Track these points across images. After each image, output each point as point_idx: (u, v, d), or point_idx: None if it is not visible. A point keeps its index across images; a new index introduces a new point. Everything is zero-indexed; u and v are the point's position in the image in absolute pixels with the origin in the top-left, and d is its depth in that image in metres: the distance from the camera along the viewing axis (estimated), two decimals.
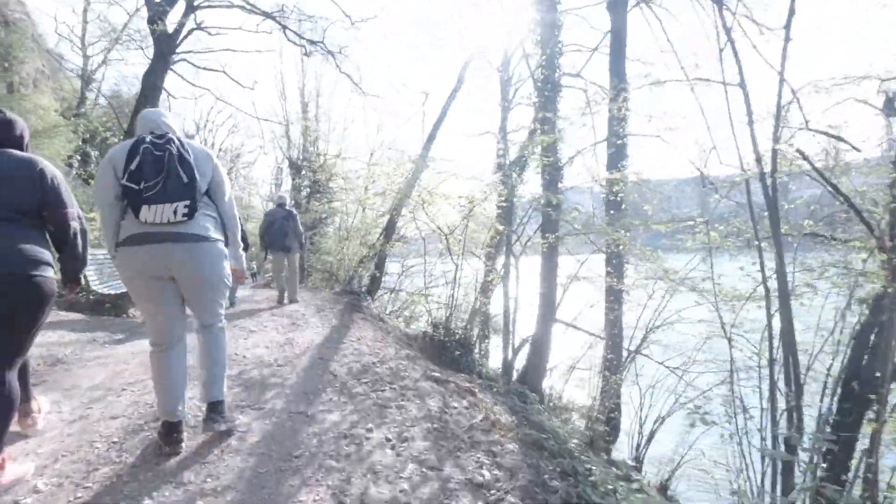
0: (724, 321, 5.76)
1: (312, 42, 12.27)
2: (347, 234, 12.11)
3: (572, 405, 9.30)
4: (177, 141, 2.30)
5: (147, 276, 2.25)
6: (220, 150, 31.90)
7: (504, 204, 7.39)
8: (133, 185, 2.16)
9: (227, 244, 2.49)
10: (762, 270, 3.92)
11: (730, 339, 5.62)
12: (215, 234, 2.37)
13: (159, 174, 2.18)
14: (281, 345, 4.64)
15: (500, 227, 7.12)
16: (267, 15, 11.15)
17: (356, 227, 12.35)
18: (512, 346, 8.38)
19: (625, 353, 7.90)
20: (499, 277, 8.56)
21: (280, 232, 7.11)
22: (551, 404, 8.48)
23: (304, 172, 20.32)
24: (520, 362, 8.80)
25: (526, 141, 10.19)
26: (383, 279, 11.60)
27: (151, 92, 10.58)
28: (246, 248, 8.85)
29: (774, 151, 3.54)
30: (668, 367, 7.87)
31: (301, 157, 20.32)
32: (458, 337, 6.34)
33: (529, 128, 10.19)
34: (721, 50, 3.65)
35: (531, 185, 9.46)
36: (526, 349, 8.73)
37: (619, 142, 7.99)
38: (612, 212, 7.87)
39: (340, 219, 16.47)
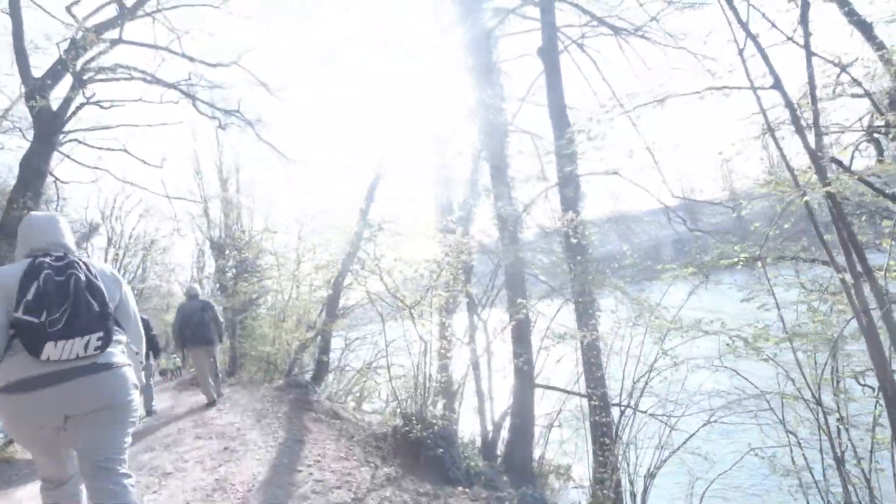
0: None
1: (227, 112, 11.21)
2: (283, 314, 10.65)
3: (566, 471, 8.22)
4: (82, 264, 2.08)
5: (42, 424, 1.94)
6: (130, 237, 29.08)
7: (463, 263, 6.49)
8: (32, 319, 1.89)
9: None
10: (854, 297, 3.20)
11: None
12: (122, 358, 2.14)
13: (64, 304, 1.94)
14: (209, 495, 3.25)
15: (467, 289, 6.19)
16: (170, 85, 10.00)
17: (292, 306, 10.93)
18: (491, 419, 7.25)
19: (616, 411, 7.00)
20: (460, 342, 7.54)
21: (200, 325, 6.59)
22: (544, 481, 7.34)
23: (228, 252, 18.58)
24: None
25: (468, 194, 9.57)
26: (329, 359, 10.16)
27: (34, 178, 8.91)
28: (156, 354, 7.52)
29: (817, 160, 2.97)
30: (658, 419, 7.06)
31: (223, 237, 18.63)
32: (436, 429, 5.16)
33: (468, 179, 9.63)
34: (741, 50, 3.10)
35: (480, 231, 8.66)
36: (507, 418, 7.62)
37: (570, 187, 7.49)
38: (577, 257, 7.21)
39: (273, 297, 14.93)
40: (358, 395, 13.04)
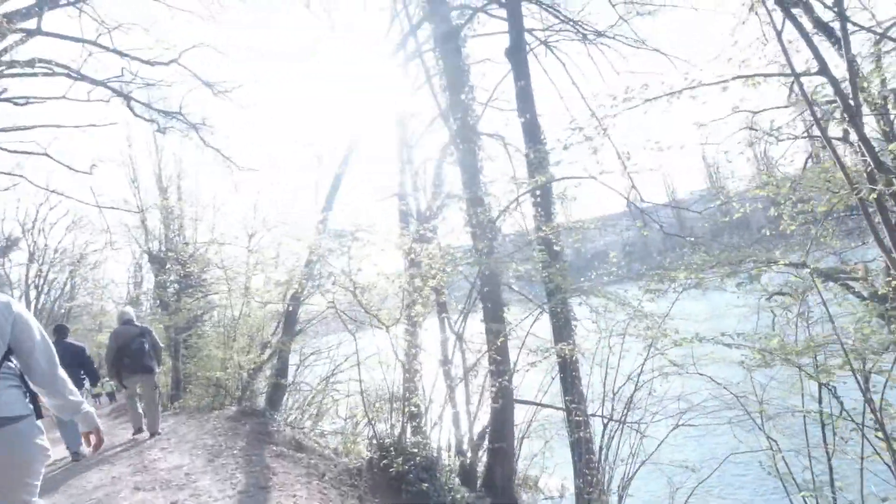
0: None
1: (167, 114, 10.20)
2: (234, 332, 9.71)
3: (537, 483, 7.85)
4: None
5: None
6: (55, 251, 26.55)
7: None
8: None
9: (36, 415, 1.91)
10: None
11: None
12: (21, 407, 1.82)
13: None
14: None
15: (441, 301, 5.68)
16: (98, 83, 8.92)
17: (243, 323, 10.01)
18: (470, 438, 6.75)
19: (601, 423, 6.68)
20: (433, 358, 7.03)
21: (140, 352, 6.16)
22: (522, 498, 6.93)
23: (169, 266, 17.13)
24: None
25: (431, 201, 9.10)
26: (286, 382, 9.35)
27: None
28: (94, 382, 6.72)
29: None
30: (635, 429, 6.81)
31: (164, 249, 17.17)
32: (418, 460, 4.61)
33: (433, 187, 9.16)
34: (780, 33, 2.81)
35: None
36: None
37: (543, 194, 7.17)
38: (553, 265, 6.88)
39: (221, 314, 13.78)
40: (314, 413, 12.20)
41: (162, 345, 6.74)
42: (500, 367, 6.28)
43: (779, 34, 2.88)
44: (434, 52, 6.74)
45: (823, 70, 2.75)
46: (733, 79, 3.04)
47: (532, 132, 7.36)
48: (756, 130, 7.26)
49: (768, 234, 5.71)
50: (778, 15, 2.87)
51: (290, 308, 8.17)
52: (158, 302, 17.00)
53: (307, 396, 12.71)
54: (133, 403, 6.61)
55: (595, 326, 6.61)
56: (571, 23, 7.60)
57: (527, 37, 7.83)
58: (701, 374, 6.81)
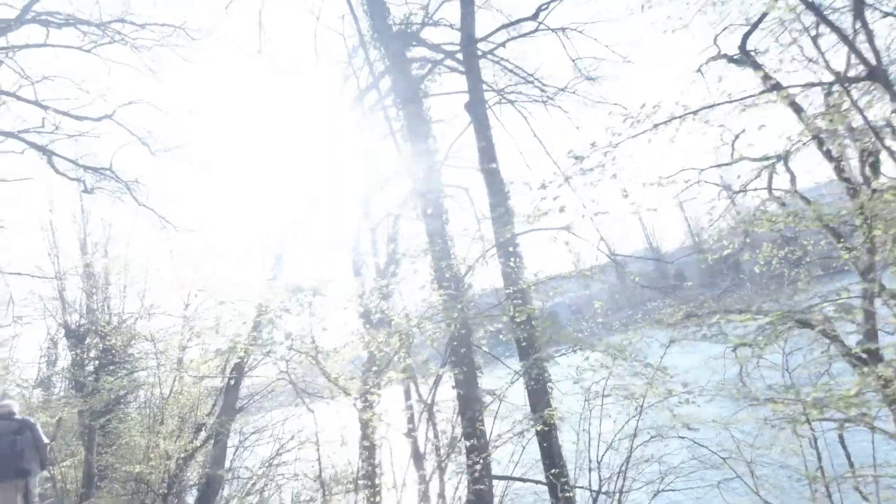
0: None
1: (96, 171, 9.24)
2: (161, 414, 8.33)
3: None
4: None
5: None
6: None
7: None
8: None
9: None
10: None
11: None
12: None
13: None
14: None
15: (408, 365, 4.97)
16: (9, 134, 7.94)
17: (174, 401, 8.66)
18: None
19: (588, 495, 5.95)
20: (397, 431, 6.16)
21: (11, 452, 5.28)
22: None
23: (88, 341, 15.16)
24: None
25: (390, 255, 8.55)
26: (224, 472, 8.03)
27: None
28: None
29: None
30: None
31: (83, 322, 15.25)
32: None
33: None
34: (815, 38, 2.61)
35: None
36: None
37: (509, 248, 6.82)
38: (523, 326, 6.38)
39: (147, 393, 12.09)
40: (254, 502, 10.61)
41: (47, 441, 5.73)
42: (478, 440, 5.55)
43: (814, 39, 2.73)
44: (395, 104, 6.47)
45: (876, 72, 2.58)
46: (762, 93, 2.85)
47: (495, 183, 7.11)
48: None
49: (757, 273, 5.58)
50: (808, 17, 2.74)
51: (232, 382, 7.10)
52: (73, 383, 14.86)
53: (246, 484, 11.09)
54: None
55: (577, 388, 6.07)
56: (532, 79, 7.69)
57: (486, 94, 7.81)
58: (682, 438, 6.40)
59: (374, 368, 4.42)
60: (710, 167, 7.32)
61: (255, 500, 10.73)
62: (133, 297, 15.64)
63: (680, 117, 4.37)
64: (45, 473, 6.01)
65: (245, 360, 6.97)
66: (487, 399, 5.75)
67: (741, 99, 3.27)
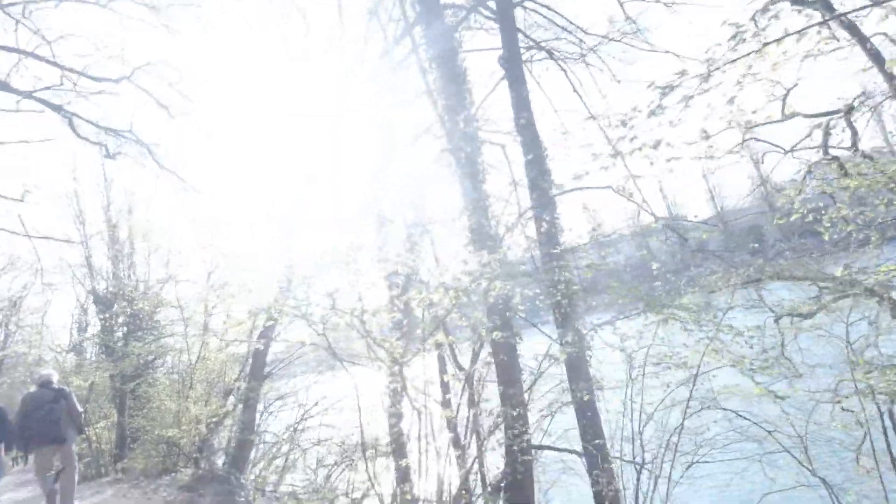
0: None
1: (116, 133, 8.99)
2: (191, 379, 8.28)
3: None
4: None
5: None
6: None
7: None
8: None
9: None
10: None
11: None
12: None
13: None
14: None
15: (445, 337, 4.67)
16: (25, 94, 7.66)
17: (202, 367, 8.59)
18: (484, 490, 5.63)
19: (629, 468, 5.69)
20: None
21: (48, 420, 5.43)
22: None
23: (116, 308, 15.31)
24: None
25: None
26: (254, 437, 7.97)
27: None
28: (9, 447, 5.76)
29: None
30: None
31: (111, 289, 15.38)
32: None
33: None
34: None
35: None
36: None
37: (546, 210, 6.40)
38: (561, 290, 6.01)
39: (175, 358, 12.16)
40: (281, 466, 10.68)
41: (81, 409, 5.87)
42: (519, 410, 5.29)
43: None
44: (429, 55, 5.98)
45: None
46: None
47: (531, 142, 6.65)
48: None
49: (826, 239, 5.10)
50: None
51: (261, 346, 6.93)
52: (103, 348, 15.10)
53: (272, 448, 11.17)
54: (45, 478, 5.54)
55: (616, 356, 5.75)
56: (571, 27, 7.08)
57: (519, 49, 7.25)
58: (725, 409, 6.04)
59: (420, 330, 4.12)
60: (761, 124, 6.73)
61: (280, 462, 10.84)
62: (157, 265, 15.69)
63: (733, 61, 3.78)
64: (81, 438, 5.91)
65: (275, 324, 6.77)
66: (528, 366, 5.46)
67: (804, 29, 2.76)
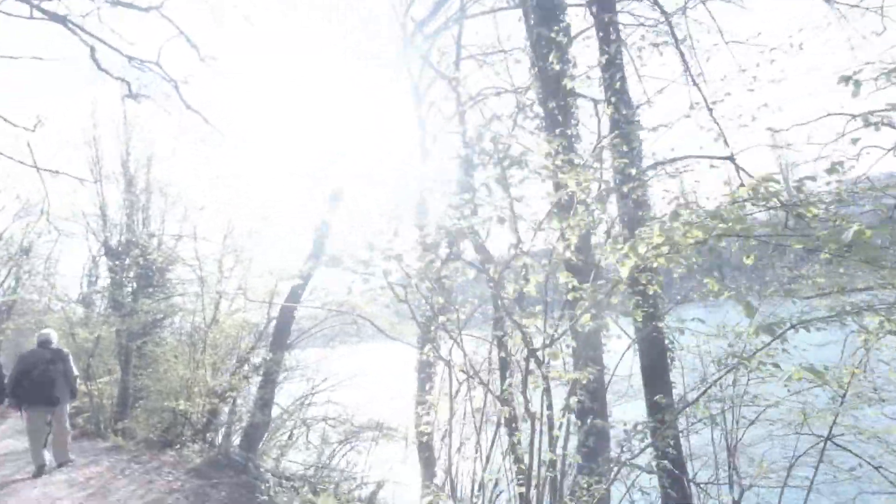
0: None
1: (142, 63, 7.98)
2: (203, 343, 7.34)
3: None
4: None
5: None
6: None
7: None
8: None
9: None
10: None
11: None
12: None
13: None
14: None
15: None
16: (44, 11, 6.63)
17: (218, 331, 7.66)
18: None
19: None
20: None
21: (43, 380, 5.35)
22: None
23: (127, 261, 14.51)
24: None
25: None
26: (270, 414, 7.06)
27: None
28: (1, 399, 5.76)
29: None
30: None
31: (123, 241, 14.57)
32: None
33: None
34: None
35: None
36: None
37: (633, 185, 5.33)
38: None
39: (184, 320, 11.35)
40: (283, 443, 9.83)
41: (77, 373, 5.90)
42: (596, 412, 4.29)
43: None
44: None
45: None
46: None
47: (622, 99, 5.56)
48: None
49: None
50: None
51: (282, 315, 5.98)
52: (112, 302, 14.38)
53: (276, 421, 10.33)
54: (35, 439, 5.43)
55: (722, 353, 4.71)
56: None
57: None
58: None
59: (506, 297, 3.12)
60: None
61: (284, 436, 10.01)
62: (172, 220, 14.89)
63: None
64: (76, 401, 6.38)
65: (298, 289, 5.83)
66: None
67: None
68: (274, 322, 7.40)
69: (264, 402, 6.04)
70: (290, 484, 5.06)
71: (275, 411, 10.62)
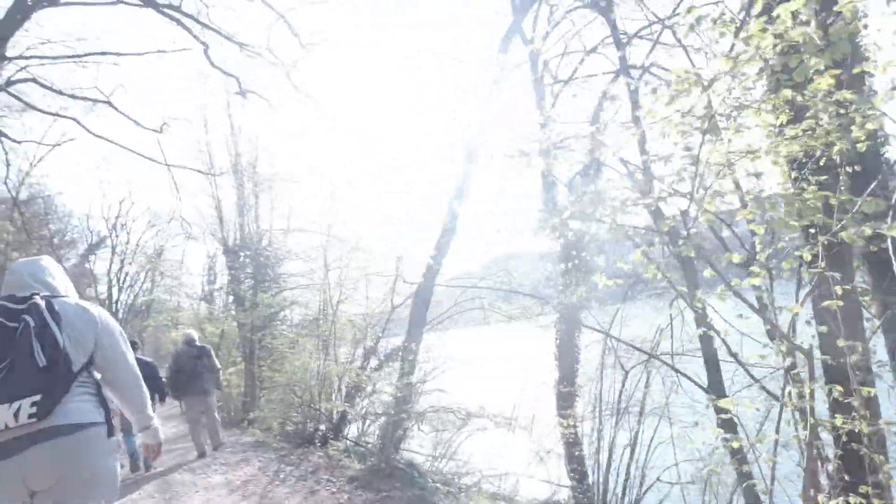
0: None
1: (253, 49, 7.72)
2: (332, 334, 6.95)
3: None
4: (43, 304, 1.54)
5: (5, 499, 1.46)
6: (136, 245, 25.80)
7: None
8: None
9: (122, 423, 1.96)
10: None
11: None
12: (94, 415, 1.60)
13: (4, 357, 1.43)
14: None
15: None
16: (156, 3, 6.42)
17: (342, 321, 7.27)
18: None
19: None
20: None
21: (194, 374, 5.91)
22: None
23: (242, 259, 15.06)
24: None
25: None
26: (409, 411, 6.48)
27: None
28: (163, 399, 5.96)
29: None
30: None
31: (238, 240, 15.12)
32: None
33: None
34: None
35: None
36: None
37: None
38: None
39: (304, 311, 11.43)
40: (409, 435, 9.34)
41: (220, 366, 6.40)
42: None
43: None
44: None
45: None
46: None
47: None
48: None
49: None
50: None
51: (421, 290, 5.32)
52: (233, 298, 15.04)
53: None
54: (194, 427, 6.14)
55: None
56: None
57: None
58: None
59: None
60: None
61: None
62: (278, 216, 15.18)
63: None
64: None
65: (438, 265, 5.12)
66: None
67: None
68: (397, 310, 6.87)
69: (405, 398, 5.42)
70: (446, 489, 4.39)
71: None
